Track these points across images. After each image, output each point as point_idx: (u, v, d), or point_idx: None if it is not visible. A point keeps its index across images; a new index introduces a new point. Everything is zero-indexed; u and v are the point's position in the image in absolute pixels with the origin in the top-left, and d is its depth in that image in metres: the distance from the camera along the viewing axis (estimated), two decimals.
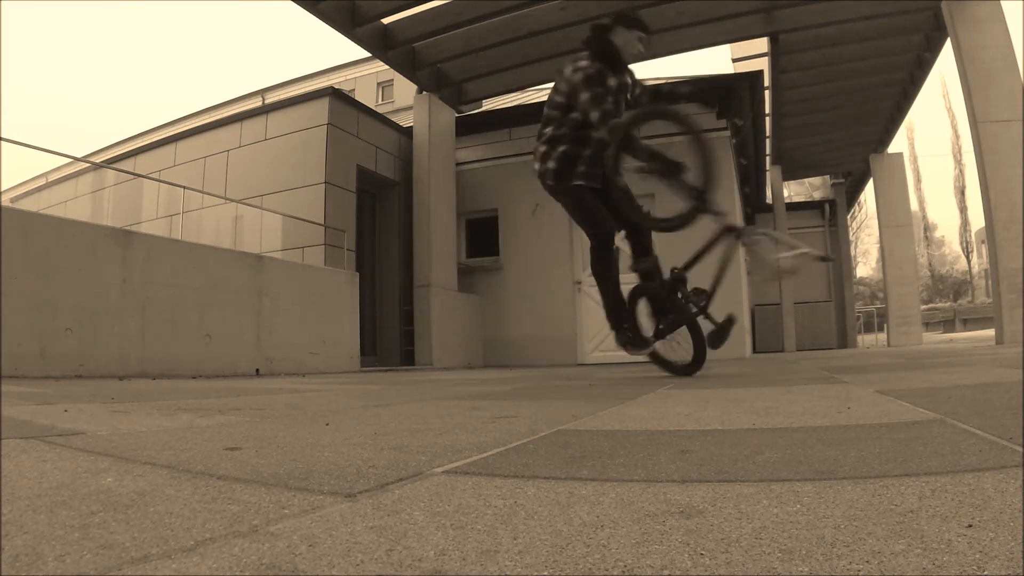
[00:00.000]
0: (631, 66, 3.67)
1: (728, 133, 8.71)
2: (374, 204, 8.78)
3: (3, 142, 4.39)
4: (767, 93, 10.50)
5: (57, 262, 4.07)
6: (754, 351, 11.58)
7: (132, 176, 8.41)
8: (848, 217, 18.38)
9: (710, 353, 3.52)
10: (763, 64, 10.28)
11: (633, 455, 1.09)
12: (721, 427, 1.40)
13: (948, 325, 36.55)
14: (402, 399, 2.47)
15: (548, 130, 3.55)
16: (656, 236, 3.75)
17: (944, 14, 7.23)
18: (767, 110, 11.17)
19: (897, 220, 13.77)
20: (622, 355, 8.45)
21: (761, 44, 10.02)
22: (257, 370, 5.47)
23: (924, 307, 29.61)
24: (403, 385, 3.58)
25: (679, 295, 3.62)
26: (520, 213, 9.03)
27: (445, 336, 8.12)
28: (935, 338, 24.19)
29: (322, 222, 7.15)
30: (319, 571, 0.54)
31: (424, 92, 8.43)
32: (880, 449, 1.04)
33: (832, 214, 15.61)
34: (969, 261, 42.98)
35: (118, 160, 9.67)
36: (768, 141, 12.77)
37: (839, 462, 0.95)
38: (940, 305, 41.03)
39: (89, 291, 4.26)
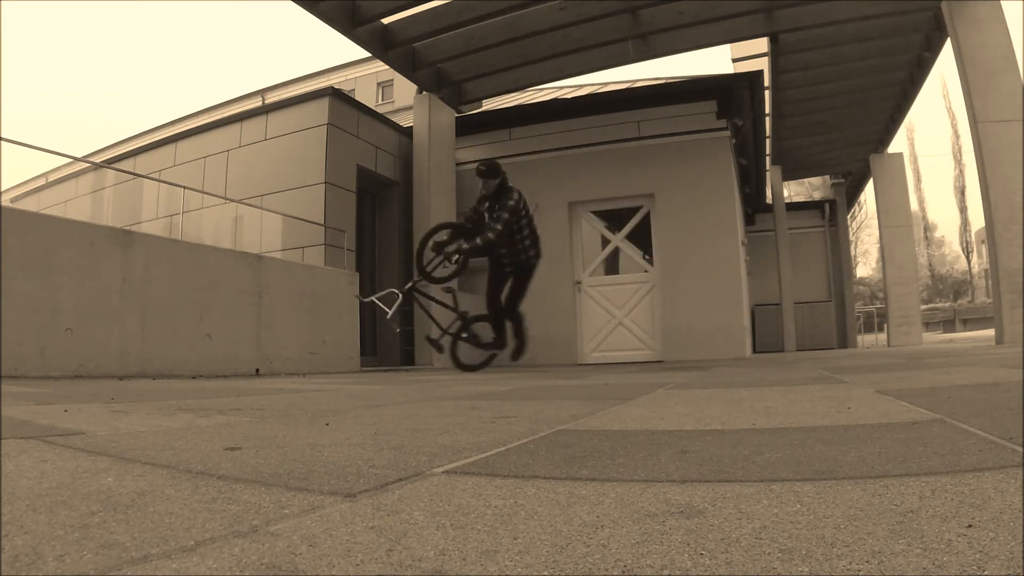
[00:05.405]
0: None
1: (728, 133, 8.71)
2: (374, 204, 8.78)
3: (3, 142, 4.40)
4: (767, 93, 10.49)
5: (57, 262, 4.07)
6: (754, 351, 11.58)
7: (132, 176, 8.40)
8: (848, 217, 18.38)
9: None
10: (763, 64, 10.28)
11: (633, 455, 1.09)
12: (721, 427, 1.40)
13: (948, 325, 36.52)
14: (402, 399, 2.47)
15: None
16: None
17: (944, 14, 7.23)
18: (767, 110, 11.16)
19: (897, 220, 13.76)
20: (622, 355, 8.52)
21: (761, 44, 10.02)
22: (257, 370, 5.47)
23: (924, 307, 29.58)
24: (403, 385, 3.58)
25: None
26: None
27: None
28: (935, 338, 24.17)
29: (322, 222, 7.15)
30: (319, 571, 0.54)
31: (424, 92, 8.42)
32: (880, 449, 1.04)
33: (832, 214, 15.60)
34: (969, 261, 42.92)
35: (118, 160, 9.67)
36: (768, 141, 12.76)
37: (839, 462, 0.95)
38: (940, 305, 40.98)
39: (89, 291, 4.26)
